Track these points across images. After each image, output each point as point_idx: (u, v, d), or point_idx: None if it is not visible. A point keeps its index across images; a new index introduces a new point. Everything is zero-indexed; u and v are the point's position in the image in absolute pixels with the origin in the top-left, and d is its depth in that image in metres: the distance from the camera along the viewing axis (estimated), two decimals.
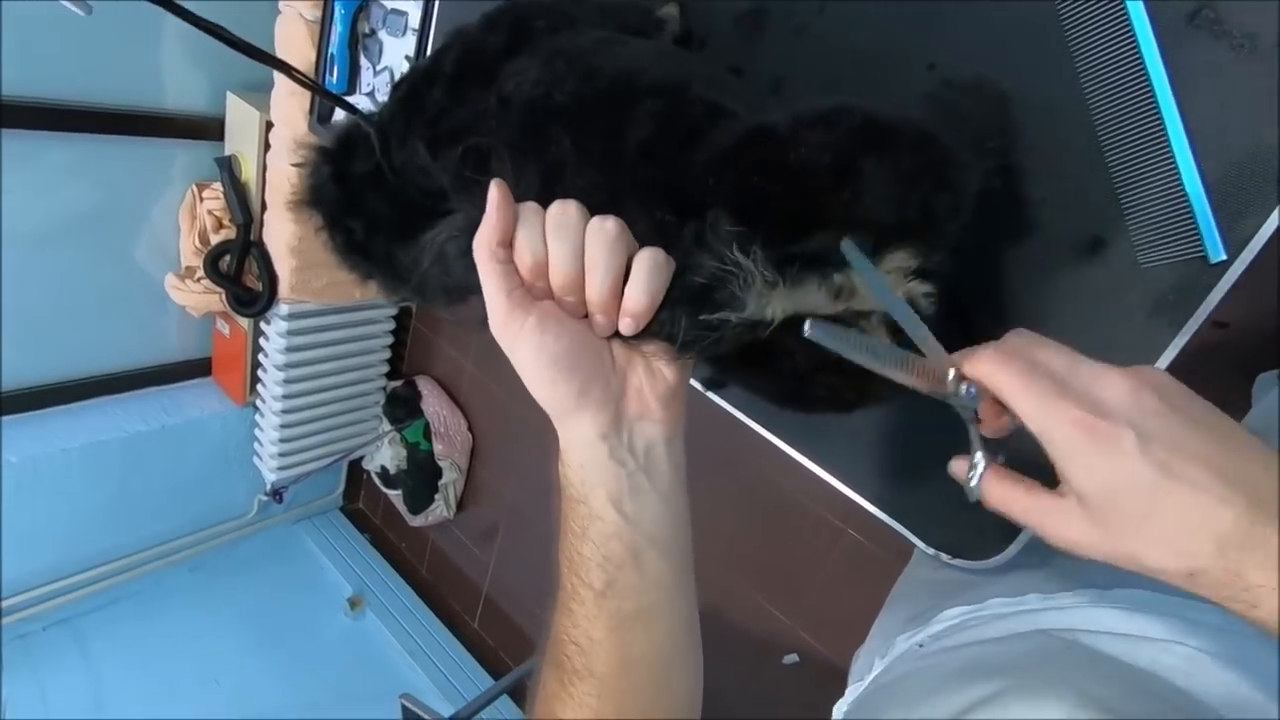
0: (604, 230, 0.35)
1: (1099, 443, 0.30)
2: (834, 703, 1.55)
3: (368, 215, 0.55)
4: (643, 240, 0.34)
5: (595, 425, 0.40)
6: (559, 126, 0.42)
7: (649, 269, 0.34)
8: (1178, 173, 0.45)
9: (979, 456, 0.34)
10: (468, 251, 0.37)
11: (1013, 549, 0.55)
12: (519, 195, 0.46)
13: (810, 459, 0.64)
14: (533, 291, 0.38)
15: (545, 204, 0.41)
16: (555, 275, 0.37)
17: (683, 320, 0.33)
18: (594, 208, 0.37)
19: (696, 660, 0.45)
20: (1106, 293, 0.48)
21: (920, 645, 0.54)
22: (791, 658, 1.66)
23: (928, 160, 0.33)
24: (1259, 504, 0.28)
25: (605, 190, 0.37)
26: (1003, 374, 0.32)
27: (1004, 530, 0.55)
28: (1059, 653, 0.43)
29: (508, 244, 0.37)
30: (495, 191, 0.36)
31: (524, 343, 0.39)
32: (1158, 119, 0.45)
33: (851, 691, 0.57)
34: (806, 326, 0.32)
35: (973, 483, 0.34)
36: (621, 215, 0.34)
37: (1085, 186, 0.48)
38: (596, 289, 0.36)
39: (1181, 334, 0.47)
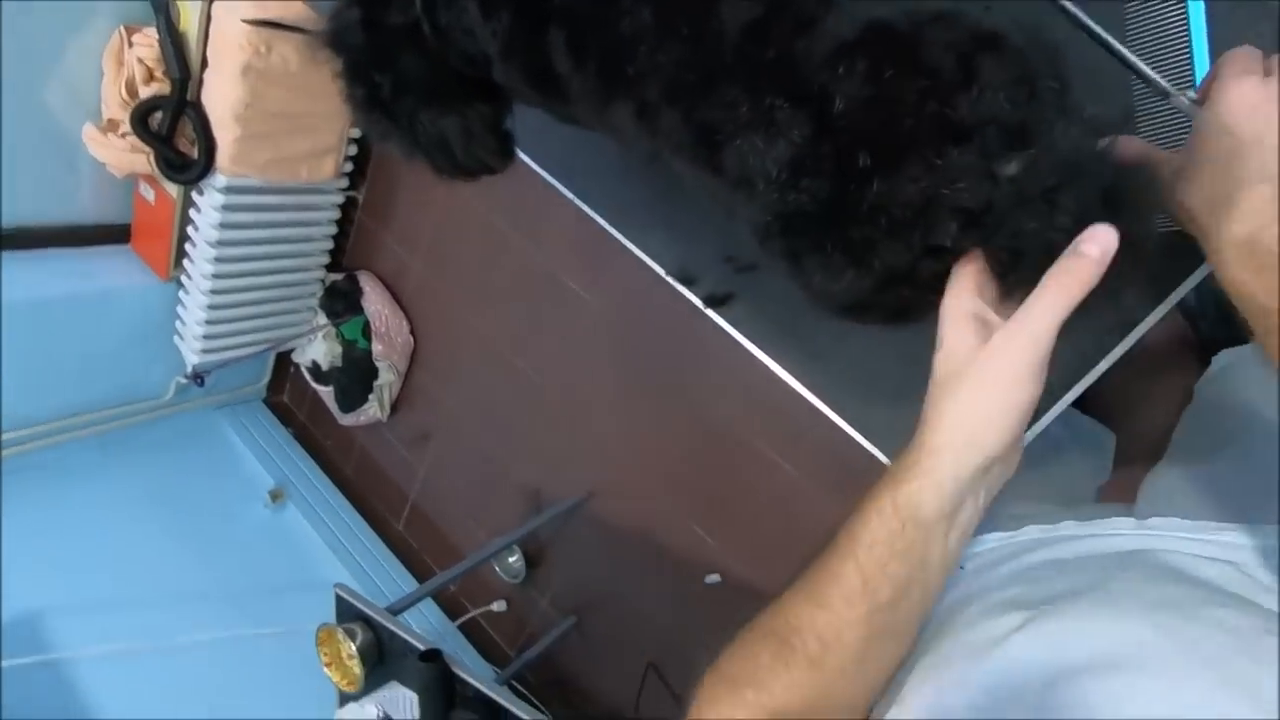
0: None
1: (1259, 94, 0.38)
2: (747, 619, 1.66)
3: (397, 72, 0.51)
4: (744, 126, 0.34)
5: (988, 457, 0.40)
6: None
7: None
8: (1188, 36, 0.47)
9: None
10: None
11: None
12: (580, 76, 0.44)
13: (788, 370, 0.65)
14: None
15: (610, 86, 0.40)
16: None
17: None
18: (680, 88, 0.36)
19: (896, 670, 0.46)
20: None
21: (962, 566, 0.55)
22: (714, 578, 1.76)
23: (1026, 70, 0.34)
24: None
25: (698, 70, 0.36)
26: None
27: None
28: (1119, 571, 0.46)
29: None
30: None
31: (1033, 385, 0.38)
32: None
33: None
34: None
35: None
36: (717, 98, 0.34)
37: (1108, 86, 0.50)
38: None
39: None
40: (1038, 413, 0.49)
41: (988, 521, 0.60)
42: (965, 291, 0.39)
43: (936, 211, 0.33)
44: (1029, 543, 0.54)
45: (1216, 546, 0.46)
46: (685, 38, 0.37)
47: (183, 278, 1.99)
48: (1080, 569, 0.48)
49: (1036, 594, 0.44)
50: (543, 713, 2.09)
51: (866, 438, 0.64)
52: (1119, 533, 0.51)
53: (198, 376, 2.11)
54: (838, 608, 0.41)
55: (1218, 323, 0.85)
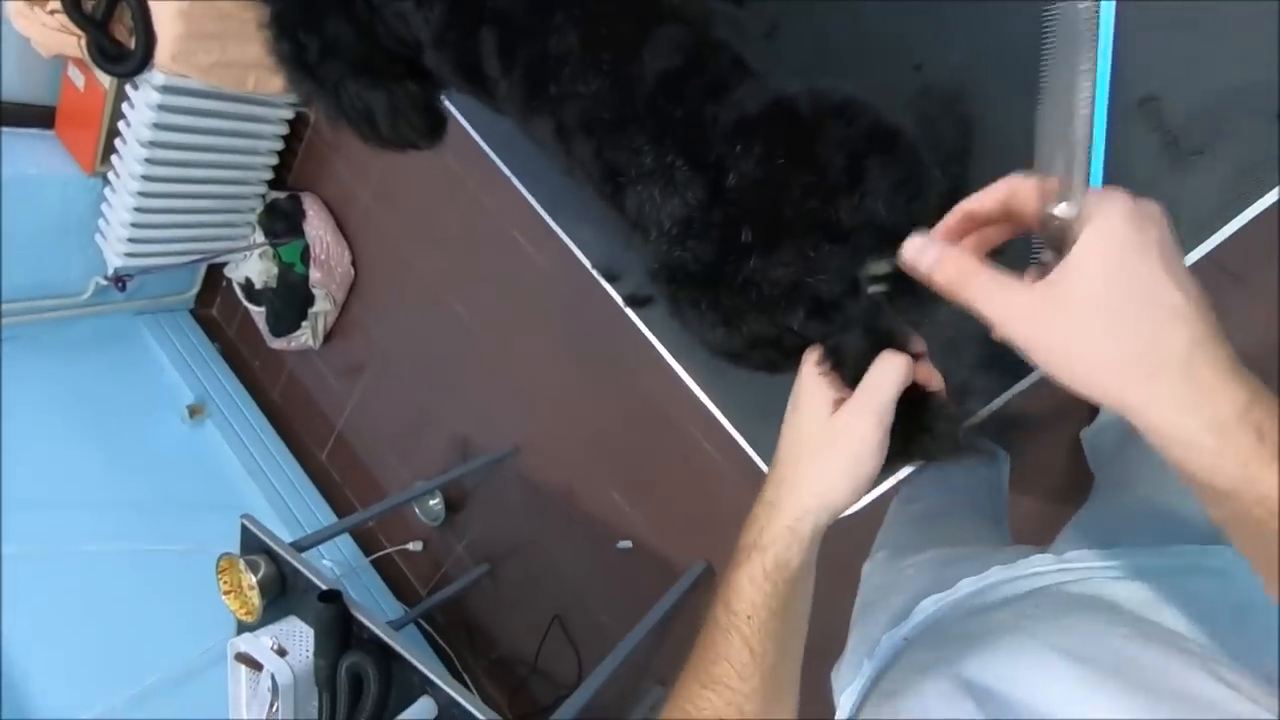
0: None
1: (1136, 220, 0.32)
2: (651, 592, 1.71)
3: (326, 37, 0.49)
4: (646, 175, 0.35)
5: (837, 516, 0.44)
6: (566, 14, 0.40)
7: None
8: None
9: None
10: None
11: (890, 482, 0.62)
12: (507, 81, 0.43)
13: (694, 379, 0.68)
14: None
15: (534, 98, 0.39)
16: None
17: None
18: (595, 121, 0.36)
19: None
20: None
21: (906, 639, 0.60)
22: (625, 544, 1.82)
23: (914, 171, 0.36)
24: (1214, 332, 0.31)
25: (612, 109, 0.36)
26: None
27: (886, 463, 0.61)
28: (1031, 610, 0.50)
29: None
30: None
31: (879, 457, 0.42)
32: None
33: (849, 695, 0.62)
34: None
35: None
36: (625, 141, 0.34)
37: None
38: None
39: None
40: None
41: (921, 582, 0.64)
42: (820, 359, 0.43)
43: (798, 296, 0.35)
44: (963, 598, 0.58)
45: (1123, 570, 0.51)
46: (605, 72, 0.37)
47: (110, 174, 1.88)
48: (1006, 609, 0.53)
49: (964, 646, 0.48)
50: (445, 651, 2.15)
51: (756, 453, 0.67)
52: (1039, 570, 0.56)
53: (119, 280, 2.02)
54: (734, 684, 0.43)
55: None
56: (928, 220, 0.36)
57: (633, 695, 1.79)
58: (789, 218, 0.34)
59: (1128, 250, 0.33)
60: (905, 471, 0.57)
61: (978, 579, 0.59)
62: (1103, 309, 0.32)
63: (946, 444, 0.44)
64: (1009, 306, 0.33)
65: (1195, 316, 0.32)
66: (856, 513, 0.59)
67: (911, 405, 0.42)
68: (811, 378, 0.43)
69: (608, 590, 1.90)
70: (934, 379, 0.44)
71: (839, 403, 0.42)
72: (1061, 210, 0.34)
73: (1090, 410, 1.32)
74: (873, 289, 0.37)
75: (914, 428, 0.42)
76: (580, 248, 0.71)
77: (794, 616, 0.45)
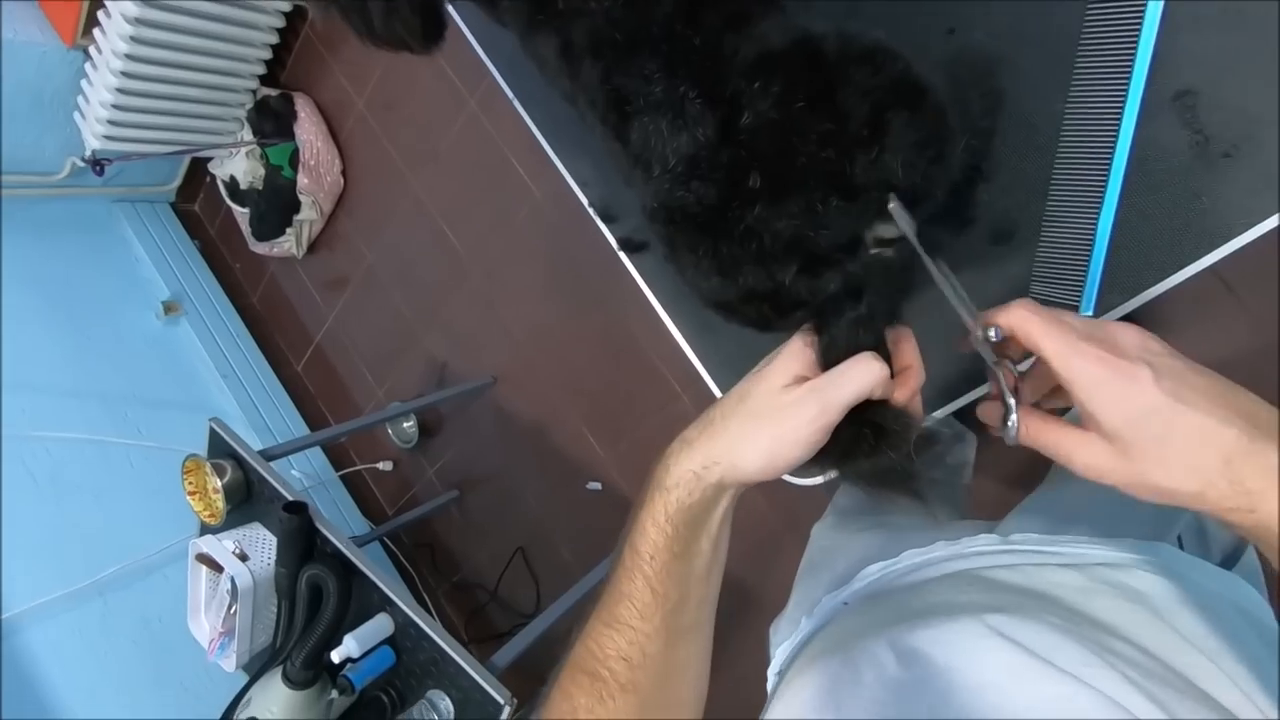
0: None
1: (1120, 377, 0.35)
2: (615, 534, 1.74)
3: None
4: (655, 106, 0.32)
5: (743, 485, 0.44)
6: None
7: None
8: (1094, 231, 0.49)
9: (1011, 401, 0.39)
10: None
11: (820, 479, 0.63)
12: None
13: (680, 330, 0.67)
14: None
15: (540, 10, 0.37)
16: None
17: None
18: (604, 42, 0.34)
19: (708, 667, 0.49)
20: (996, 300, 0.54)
21: (845, 603, 0.60)
22: (595, 485, 1.84)
23: (938, 133, 0.34)
24: (1254, 425, 0.33)
25: (625, 30, 0.33)
26: (1034, 321, 0.37)
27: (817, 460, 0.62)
28: (966, 587, 0.51)
29: None
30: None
31: (807, 450, 0.41)
32: (1103, 178, 0.48)
33: (783, 650, 0.63)
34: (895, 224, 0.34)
35: (1010, 421, 0.39)
36: (636, 67, 0.31)
37: (1022, 206, 0.51)
38: None
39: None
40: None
41: (866, 549, 0.65)
42: (809, 337, 0.42)
43: (798, 252, 0.33)
44: (905, 569, 0.59)
45: (1064, 557, 0.52)
46: None
47: (91, 48, 1.78)
48: (945, 584, 0.54)
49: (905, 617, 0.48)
50: (407, 570, 2.18)
51: None
52: (982, 550, 0.57)
53: (97, 163, 1.93)
54: (636, 624, 0.43)
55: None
56: (943, 188, 0.34)
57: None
58: (801, 167, 0.32)
59: (1138, 406, 0.35)
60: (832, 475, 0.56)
61: (922, 551, 0.59)
62: (1153, 456, 0.35)
63: (884, 476, 0.43)
64: (1089, 459, 0.37)
65: (1219, 424, 0.34)
66: (823, 483, 0.59)
67: (868, 420, 0.41)
68: (795, 346, 0.42)
69: (572, 528, 1.93)
70: (911, 399, 0.43)
71: (802, 380, 0.41)
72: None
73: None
74: (876, 251, 0.36)
75: (858, 444, 0.41)
76: (579, 185, 0.68)
77: (698, 561, 0.45)
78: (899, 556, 0.60)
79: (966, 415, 0.62)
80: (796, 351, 0.42)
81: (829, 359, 0.41)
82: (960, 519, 0.92)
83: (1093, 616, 0.45)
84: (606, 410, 1.82)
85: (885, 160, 0.31)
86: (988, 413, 0.41)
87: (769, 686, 0.62)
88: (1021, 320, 0.37)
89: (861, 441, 0.41)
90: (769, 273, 0.35)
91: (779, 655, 0.63)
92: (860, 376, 0.40)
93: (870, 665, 0.43)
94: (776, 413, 0.41)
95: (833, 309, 0.38)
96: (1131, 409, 0.35)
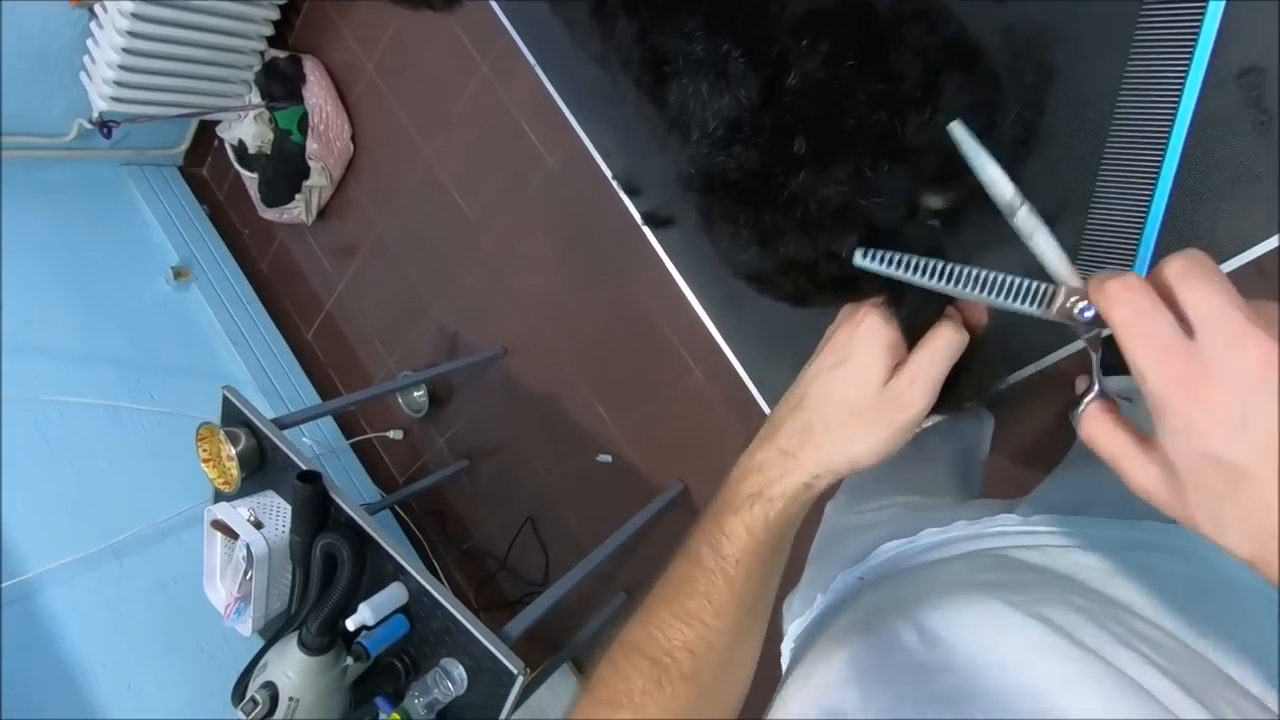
0: None
1: (1197, 411, 0.28)
2: (625, 506, 1.73)
3: None
4: (695, 66, 0.30)
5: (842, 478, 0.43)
6: None
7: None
8: (1146, 211, 0.47)
9: (1095, 386, 0.34)
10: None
11: None
12: None
13: (705, 308, 0.65)
14: None
15: None
16: None
17: None
18: (637, 2, 0.32)
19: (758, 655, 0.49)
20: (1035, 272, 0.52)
21: (860, 578, 0.60)
22: (605, 457, 1.84)
23: (992, 98, 0.32)
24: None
25: None
26: (1120, 309, 0.30)
27: None
28: (988, 567, 0.50)
29: None
30: None
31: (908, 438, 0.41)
32: (1159, 159, 0.46)
33: (798, 625, 0.63)
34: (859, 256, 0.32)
35: (1079, 409, 0.34)
36: (676, 25, 0.30)
37: (1069, 185, 0.49)
38: None
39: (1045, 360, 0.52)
40: None
41: (883, 526, 0.64)
42: (888, 313, 0.40)
43: (847, 219, 0.32)
44: (924, 547, 0.58)
45: (1085, 538, 0.51)
46: None
47: (96, 6, 1.74)
48: (964, 563, 0.53)
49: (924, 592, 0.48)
50: (417, 537, 2.20)
51: (759, 390, 0.65)
52: (1003, 530, 0.56)
53: (104, 125, 1.90)
54: (709, 620, 0.43)
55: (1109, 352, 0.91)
56: (995, 155, 0.32)
57: (597, 600, 1.86)
58: (850, 129, 0.30)
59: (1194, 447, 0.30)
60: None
61: (941, 530, 0.59)
62: (1207, 513, 0.30)
63: (967, 399, 0.42)
64: (1143, 482, 0.32)
65: (1255, 467, 0.28)
66: None
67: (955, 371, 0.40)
68: (874, 326, 0.39)
69: (582, 499, 1.93)
70: (979, 331, 0.42)
71: (895, 367, 0.40)
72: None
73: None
74: (930, 223, 0.34)
75: (950, 395, 0.40)
76: (602, 156, 0.66)
77: (780, 562, 0.45)
78: (917, 535, 0.59)
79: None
80: (880, 333, 0.40)
81: (913, 331, 0.39)
82: (975, 498, 0.91)
83: (1115, 598, 0.44)
84: (617, 383, 1.81)
85: (938, 122, 0.30)
86: (1080, 386, 0.37)
87: (783, 660, 0.62)
88: (1108, 305, 0.31)
89: (952, 391, 0.40)
90: (813, 242, 0.33)
91: (793, 630, 0.63)
92: (953, 348, 0.39)
93: (894, 643, 0.43)
94: (887, 407, 0.40)
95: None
96: (1197, 455, 0.29)
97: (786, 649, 0.64)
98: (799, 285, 0.38)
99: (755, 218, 0.33)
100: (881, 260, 0.34)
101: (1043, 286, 0.34)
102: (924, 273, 0.34)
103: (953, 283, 0.34)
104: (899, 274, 0.34)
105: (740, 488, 0.43)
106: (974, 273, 0.34)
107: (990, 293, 0.34)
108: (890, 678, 0.40)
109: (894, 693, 0.39)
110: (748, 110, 0.31)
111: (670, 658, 0.42)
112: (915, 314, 0.38)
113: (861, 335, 0.40)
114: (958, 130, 0.30)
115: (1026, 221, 0.33)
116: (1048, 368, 0.54)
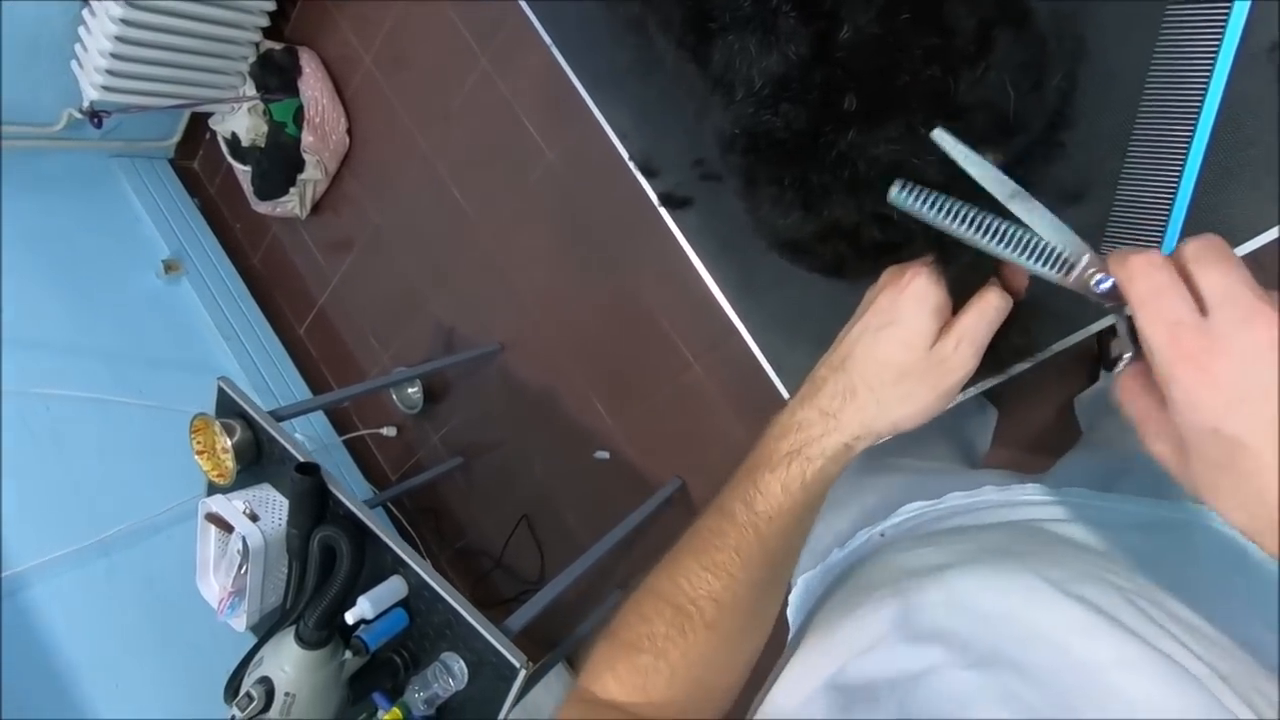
0: None
1: (1201, 385, 0.30)
2: (622, 504, 1.72)
3: None
4: (743, 22, 0.30)
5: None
6: None
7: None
8: (1175, 188, 0.47)
9: (1132, 350, 0.35)
10: None
11: None
12: None
13: (723, 291, 0.64)
14: None
15: None
16: None
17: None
18: None
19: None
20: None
21: (882, 534, 0.59)
22: (602, 454, 1.82)
23: (1042, 56, 0.31)
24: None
25: None
26: (1139, 284, 0.32)
27: None
28: (1024, 538, 0.49)
29: None
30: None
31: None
32: (1189, 135, 0.46)
33: (805, 579, 0.63)
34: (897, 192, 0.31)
35: (1117, 370, 0.36)
36: None
37: (1097, 163, 0.48)
38: None
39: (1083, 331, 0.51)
40: None
41: (900, 487, 0.64)
42: (937, 275, 0.39)
43: (897, 179, 0.31)
44: (948, 510, 0.58)
45: (1120, 514, 0.51)
46: None
47: None
48: (997, 532, 0.53)
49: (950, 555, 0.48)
50: (410, 535, 2.18)
51: (779, 375, 0.64)
52: (1031, 499, 0.56)
53: (95, 115, 1.88)
54: (737, 573, 0.43)
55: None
56: (1040, 120, 0.32)
57: (594, 597, 1.85)
58: (902, 86, 0.29)
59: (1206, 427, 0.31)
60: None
61: (969, 494, 0.58)
62: (1207, 481, 0.32)
63: (1008, 364, 0.42)
64: (1158, 446, 0.34)
65: (1252, 439, 0.29)
66: None
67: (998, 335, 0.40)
68: (923, 288, 0.39)
69: (579, 497, 1.92)
70: (1020, 295, 0.42)
71: (941, 330, 0.40)
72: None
73: (1088, 376, 1.32)
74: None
75: (991, 360, 0.40)
76: (618, 136, 0.65)
77: (812, 521, 0.45)
78: (943, 497, 0.59)
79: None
80: (929, 295, 0.39)
81: (961, 294, 0.39)
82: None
83: (1152, 579, 0.43)
84: (616, 378, 1.80)
85: (990, 79, 0.29)
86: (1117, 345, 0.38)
87: (789, 611, 0.63)
88: (1127, 278, 0.32)
89: (992, 357, 0.40)
90: (860, 204, 0.33)
91: (800, 583, 0.64)
92: (999, 312, 0.39)
93: (927, 605, 0.42)
94: (936, 369, 0.40)
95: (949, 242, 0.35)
96: (1199, 427, 0.30)
97: (792, 608, 0.64)
98: (839, 252, 0.38)
99: (801, 178, 0.32)
100: (916, 197, 0.33)
101: (1065, 252, 0.35)
102: (955, 217, 0.34)
103: (981, 233, 0.35)
104: (929, 214, 0.34)
105: (779, 445, 0.43)
106: (1003, 226, 0.34)
107: (1015, 249, 0.35)
108: (922, 639, 0.40)
109: (927, 658, 0.38)
110: (797, 67, 0.30)
111: (695, 606, 0.43)
112: (961, 278, 0.37)
113: (909, 296, 0.39)
114: (942, 136, 0.31)
115: (1026, 207, 0.34)
116: (1048, 360, 0.54)
